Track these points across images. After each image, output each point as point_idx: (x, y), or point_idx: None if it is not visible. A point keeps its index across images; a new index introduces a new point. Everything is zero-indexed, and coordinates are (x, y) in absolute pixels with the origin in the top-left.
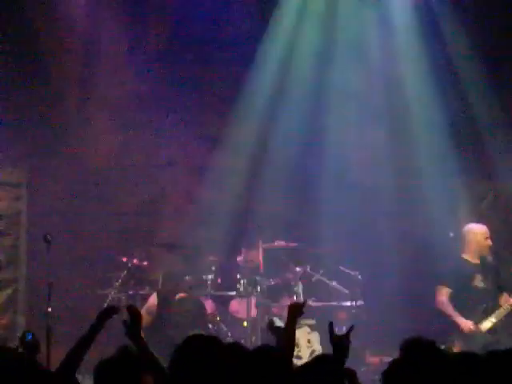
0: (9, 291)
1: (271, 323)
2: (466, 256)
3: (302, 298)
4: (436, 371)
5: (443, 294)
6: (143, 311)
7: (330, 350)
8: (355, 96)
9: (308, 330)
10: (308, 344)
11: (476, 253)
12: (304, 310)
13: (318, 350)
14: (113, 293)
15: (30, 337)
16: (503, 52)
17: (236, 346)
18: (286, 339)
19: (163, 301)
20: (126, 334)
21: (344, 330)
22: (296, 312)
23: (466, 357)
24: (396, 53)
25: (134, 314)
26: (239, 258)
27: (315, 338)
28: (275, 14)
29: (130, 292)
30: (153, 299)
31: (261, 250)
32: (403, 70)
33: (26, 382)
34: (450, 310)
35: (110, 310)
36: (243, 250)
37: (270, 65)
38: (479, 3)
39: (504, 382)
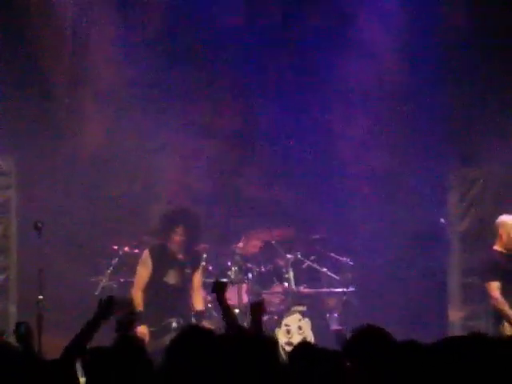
0: (0, 279)
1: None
2: (498, 248)
3: (293, 285)
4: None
5: (495, 289)
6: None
7: (321, 337)
8: (343, 79)
9: (299, 316)
10: (299, 331)
11: (508, 245)
12: (264, 307)
13: (310, 336)
14: (104, 280)
15: (23, 328)
16: (493, 40)
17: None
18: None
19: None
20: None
21: (335, 316)
22: (258, 311)
23: (413, 346)
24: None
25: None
26: (239, 245)
27: (306, 324)
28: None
29: (121, 280)
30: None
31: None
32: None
33: (24, 376)
34: (506, 308)
35: (113, 303)
36: (244, 237)
37: (260, 51)
38: None
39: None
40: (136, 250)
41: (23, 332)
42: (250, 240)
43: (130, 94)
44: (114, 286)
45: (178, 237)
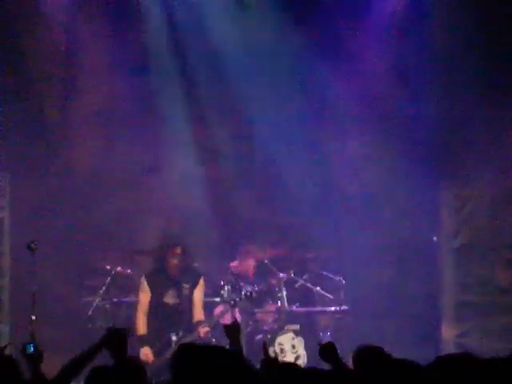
0: None
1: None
2: None
3: (286, 304)
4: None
5: None
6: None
7: (314, 355)
8: (335, 103)
9: (292, 335)
10: (293, 349)
11: None
12: (237, 326)
13: (303, 354)
14: (97, 300)
15: (33, 349)
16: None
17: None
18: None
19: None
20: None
21: (328, 335)
22: (233, 332)
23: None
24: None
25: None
26: (233, 264)
27: (300, 343)
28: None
29: (115, 300)
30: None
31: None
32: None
33: None
34: None
35: (118, 334)
36: (238, 256)
37: (257, 71)
38: None
39: None
40: (129, 270)
41: (32, 352)
42: (244, 259)
43: (125, 111)
44: (107, 305)
45: (176, 257)
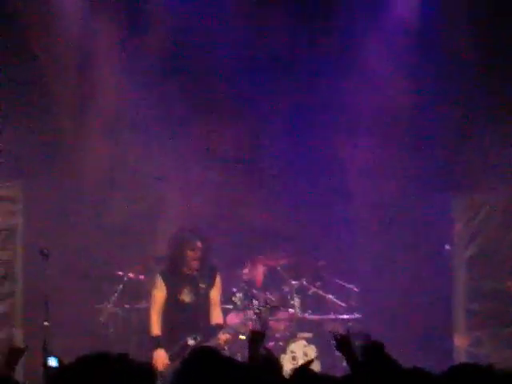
0: (5, 305)
1: None
2: None
3: (298, 311)
4: None
5: None
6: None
7: (326, 363)
8: (346, 105)
9: (304, 343)
10: (305, 357)
11: None
12: (264, 338)
13: (315, 362)
14: (109, 307)
15: (57, 363)
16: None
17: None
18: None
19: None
20: None
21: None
22: (257, 340)
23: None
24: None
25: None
26: (245, 271)
27: (312, 350)
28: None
29: (126, 306)
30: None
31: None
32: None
33: None
34: None
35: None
36: (249, 264)
37: (266, 77)
38: None
39: None
40: (141, 276)
41: (56, 367)
42: (256, 266)
43: (136, 117)
44: (119, 312)
45: (195, 252)
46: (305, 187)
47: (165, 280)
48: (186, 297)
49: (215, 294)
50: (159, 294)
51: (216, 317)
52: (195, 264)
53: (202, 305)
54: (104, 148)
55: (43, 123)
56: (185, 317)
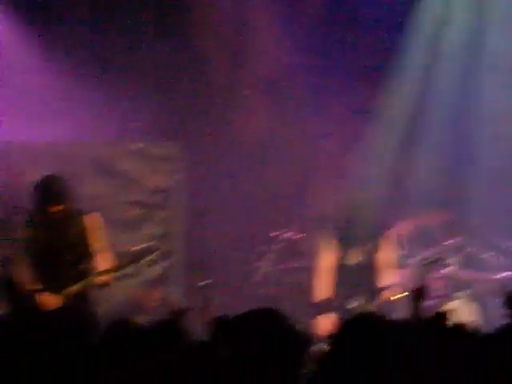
0: (165, 264)
1: None
2: None
3: (456, 270)
4: None
5: None
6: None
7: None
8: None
9: (466, 301)
10: (463, 316)
11: None
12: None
13: (475, 321)
14: (266, 266)
15: None
16: None
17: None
18: None
19: None
20: None
21: (497, 301)
22: (420, 297)
23: None
24: None
25: None
26: (398, 229)
27: (473, 309)
28: None
29: (282, 266)
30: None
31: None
32: None
33: None
34: None
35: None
36: (402, 222)
37: (423, 34)
38: None
39: None
40: (299, 236)
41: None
42: (410, 225)
43: (291, 81)
44: (276, 271)
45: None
46: (463, 148)
47: (335, 238)
48: (352, 259)
49: (384, 255)
50: (327, 255)
51: (384, 278)
52: (364, 224)
53: (368, 267)
54: (262, 108)
55: (199, 85)
56: (349, 281)
